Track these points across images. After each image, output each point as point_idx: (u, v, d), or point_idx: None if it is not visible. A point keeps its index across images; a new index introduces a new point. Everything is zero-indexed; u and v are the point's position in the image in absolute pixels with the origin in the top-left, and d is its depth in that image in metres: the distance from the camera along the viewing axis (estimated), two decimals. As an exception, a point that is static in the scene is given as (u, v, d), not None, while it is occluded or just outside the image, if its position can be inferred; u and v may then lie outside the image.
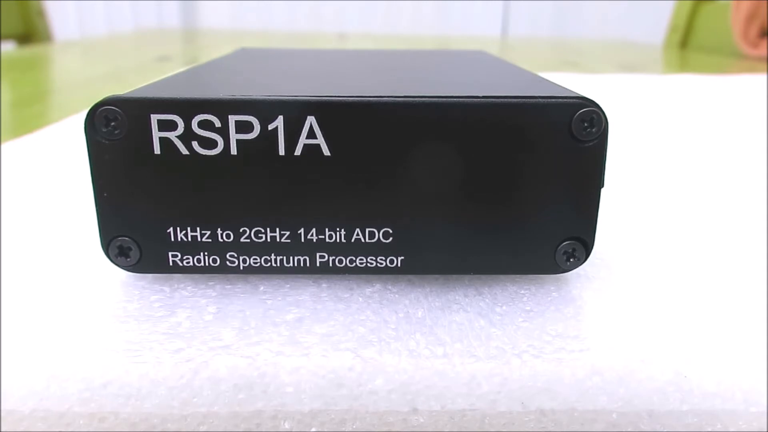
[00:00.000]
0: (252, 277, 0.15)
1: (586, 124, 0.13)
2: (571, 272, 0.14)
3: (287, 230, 0.13)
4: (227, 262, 0.13)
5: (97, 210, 0.13)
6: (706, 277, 0.15)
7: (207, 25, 1.52)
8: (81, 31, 1.39)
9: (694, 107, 0.39)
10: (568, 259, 0.14)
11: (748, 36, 0.73)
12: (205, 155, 0.13)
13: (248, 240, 0.13)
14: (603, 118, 0.13)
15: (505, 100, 0.13)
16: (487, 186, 0.13)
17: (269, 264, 0.14)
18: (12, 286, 0.14)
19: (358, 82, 0.16)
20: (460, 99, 0.12)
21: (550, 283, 0.15)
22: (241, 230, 0.13)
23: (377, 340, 0.12)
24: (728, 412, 0.12)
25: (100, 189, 0.13)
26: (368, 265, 0.14)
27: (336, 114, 0.12)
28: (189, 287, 0.14)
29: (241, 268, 0.14)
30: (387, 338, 0.12)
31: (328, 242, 0.13)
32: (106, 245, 0.13)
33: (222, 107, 0.12)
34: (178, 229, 0.13)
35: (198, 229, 0.13)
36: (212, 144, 0.12)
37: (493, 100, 0.12)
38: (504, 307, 0.14)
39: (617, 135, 0.18)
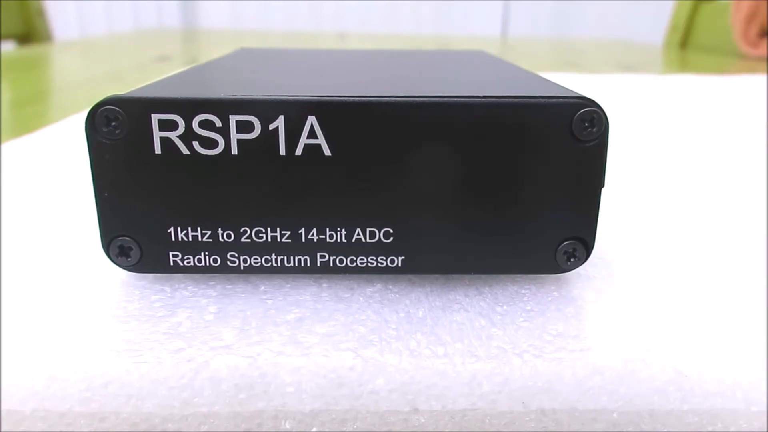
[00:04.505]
0: (253, 277, 0.15)
1: (586, 124, 0.13)
2: (571, 272, 0.14)
3: (288, 230, 0.13)
4: (228, 262, 0.13)
5: (97, 210, 0.13)
6: (706, 276, 0.15)
7: (207, 25, 1.51)
8: (81, 31, 1.39)
9: (694, 107, 0.39)
10: (568, 259, 0.14)
11: (748, 36, 0.73)
12: (206, 155, 0.13)
13: (249, 240, 0.13)
14: (603, 118, 0.13)
15: (506, 99, 0.13)
16: (487, 186, 0.13)
17: (270, 264, 0.14)
18: (12, 286, 0.14)
19: (358, 82, 0.16)
20: (461, 99, 0.12)
21: (550, 282, 0.15)
22: (241, 230, 0.13)
23: (378, 339, 0.12)
24: (729, 411, 0.12)
25: (100, 189, 0.13)
26: (369, 264, 0.14)
27: (337, 114, 0.12)
28: (190, 287, 0.14)
29: (242, 267, 0.14)
30: (388, 338, 0.12)
31: (329, 242, 0.13)
32: (107, 245, 0.13)
33: (223, 107, 0.12)
34: (179, 228, 0.13)
35: (199, 228, 0.13)
36: (213, 144, 0.12)
37: (494, 99, 0.12)
38: (505, 307, 0.14)
39: (617, 135, 0.18)
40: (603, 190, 0.13)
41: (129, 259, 0.13)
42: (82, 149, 0.13)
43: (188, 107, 0.12)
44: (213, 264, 0.13)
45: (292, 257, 0.13)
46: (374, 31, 1.34)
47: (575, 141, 0.13)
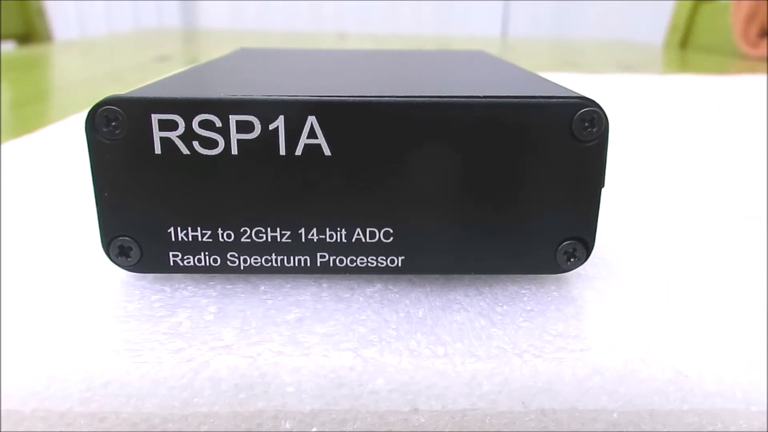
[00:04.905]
0: (253, 277, 0.15)
1: (586, 124, 0.13)
2: (571, 272, 0.14)
3: (288, 230, 0.13)
4: (228, 262, 0.13)
5: (97, 210, 0.13)
6: (706, 276, 0.15)
7: (207, 25, 1.51)
8: (81, 31, 1.39)
9: (694, 107, 0.39)
10: (568, 259, 0.14)
11: (748, 36, 0.73)
12: (206, 155, 0.13)
13: (249, 240, 0.13)
14: (603, 118, 0.13)
15: (506, 99, 0.13)
16: (487, 185, 0.13)
17: (270, 264, 0.14)
18: (12, 286, 0.14)
19: (358, 82, 0.16)
20: (461, 99, 0.12)
21: (550, 282, 0.15)
22: (241, 230, 0.13)
23: (378, 339, 0.12)
24: (729, 411, 0.12)
25: (100, 189, 0.13)
26: (369, 264, 0.14)
27: (337, 114, 0.12)
28: (190, 287, 0.14)
29: (242, 267, 0.14)
30: (388, 338, 0.12)
31: (329, 242, 0.13)
32: (107, 245, 0.13)
33: (223, 107, 0.12)
34: (179, 228, 0.13)
35: (199, 228, 0.13)
36: (213, 144, 0.12)
37: (494, 99, 0.12)
38: (505, 307, 0.14)
39: (617, 135, 0.18)
40: (603, 190, 0.13)
41: (129, 259, 0.13)
42: (82, 149, 0.13)
43: (188, 107, 0.12)
44: (213, 264, 0.13)
45: (292, 257, 0.13)
46: (374, 31, 1.34)
47: (575, 141, 0.13)
